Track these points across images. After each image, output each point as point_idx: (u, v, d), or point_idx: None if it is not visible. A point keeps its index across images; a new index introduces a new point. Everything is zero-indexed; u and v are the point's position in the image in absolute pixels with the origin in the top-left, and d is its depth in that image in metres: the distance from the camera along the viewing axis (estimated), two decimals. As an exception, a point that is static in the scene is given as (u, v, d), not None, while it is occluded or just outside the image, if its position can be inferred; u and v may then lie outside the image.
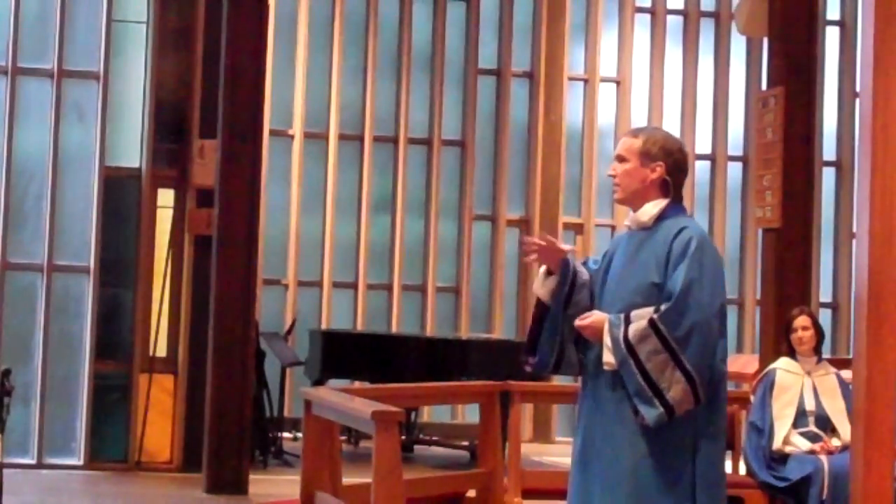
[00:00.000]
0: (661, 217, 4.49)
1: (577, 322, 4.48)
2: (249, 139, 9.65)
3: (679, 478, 4.34)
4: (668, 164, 4.50)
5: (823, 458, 7.33)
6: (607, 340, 4.39)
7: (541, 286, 4.65)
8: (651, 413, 4.30)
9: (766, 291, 9.81)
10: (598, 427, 4.47)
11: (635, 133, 4.60)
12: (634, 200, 4.54)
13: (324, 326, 12.85)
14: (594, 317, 4.45)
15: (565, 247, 4.62)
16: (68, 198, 10.69)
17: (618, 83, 14.18)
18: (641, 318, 4.33)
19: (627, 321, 4.35)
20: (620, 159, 4.55)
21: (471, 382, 9.49)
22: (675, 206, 4.52)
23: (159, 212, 10.81)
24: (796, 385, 7.63)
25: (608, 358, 4.39)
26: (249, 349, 9.66)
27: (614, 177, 4.57)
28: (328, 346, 11.36)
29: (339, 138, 13.47)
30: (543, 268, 4.65)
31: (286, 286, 13.25)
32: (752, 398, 7.90)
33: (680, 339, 4.29)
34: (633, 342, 4.32)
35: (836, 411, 7.52)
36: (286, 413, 11.55)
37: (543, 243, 4.59)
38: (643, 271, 4.43)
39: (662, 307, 4.32)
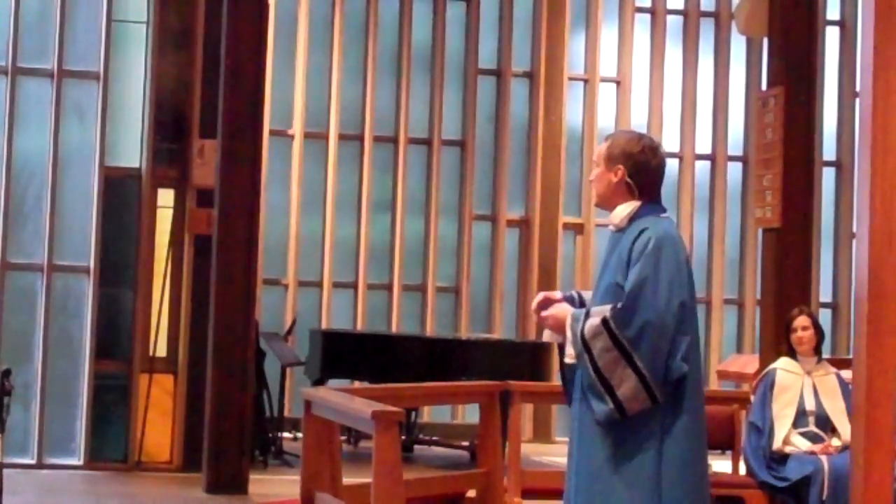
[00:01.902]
0: (633, 218, 4.55)
1: (543, 313, 4.57)
2: (249, 139, 9.64)
3: (645, 478, 4.35)
4: (628, 167, 4.55)
5: (823, 458, 7.33)
6: (569, 334, 4.48)
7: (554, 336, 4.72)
8: (601, 408, 4.37)
9: (766, 291, 9.81)
10: (576, 426, 4.57)
11: (606, 137, 4.71)
12: (606, 204, 4.64)
13: (324, 326, 12.84)
14: (555, 308, 4.55)
15: (556, 294, 4.69)
16: (68, 198, 10.69)
17: (618, 83, 14.17)
18: (598, 315, 4.41)
19: (587, 316, 4.43)
20: (595, 164, 4.66)
21: (471, 382, 9.48)
22: (649, 206, 4.57)
23: (159, 212, 10.79)
24: (796, 385, 7.62)
25: (569, 350, 4.49)
26: (249, 349, 9.66)
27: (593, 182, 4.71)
28: (328, 345, 11.35)
29: (339, 138, 13.47)
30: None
31: (286, 286, 13.25)
32: (752, 398, 7.90)
33: (631, 339, 4.34)
34: (588, 338, 4.39)
35: (836, 411, 7.52)
36: (286, 413, 11.54)
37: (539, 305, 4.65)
38: (611, 272, 4.51)
39: (616, 306, 4.39)
